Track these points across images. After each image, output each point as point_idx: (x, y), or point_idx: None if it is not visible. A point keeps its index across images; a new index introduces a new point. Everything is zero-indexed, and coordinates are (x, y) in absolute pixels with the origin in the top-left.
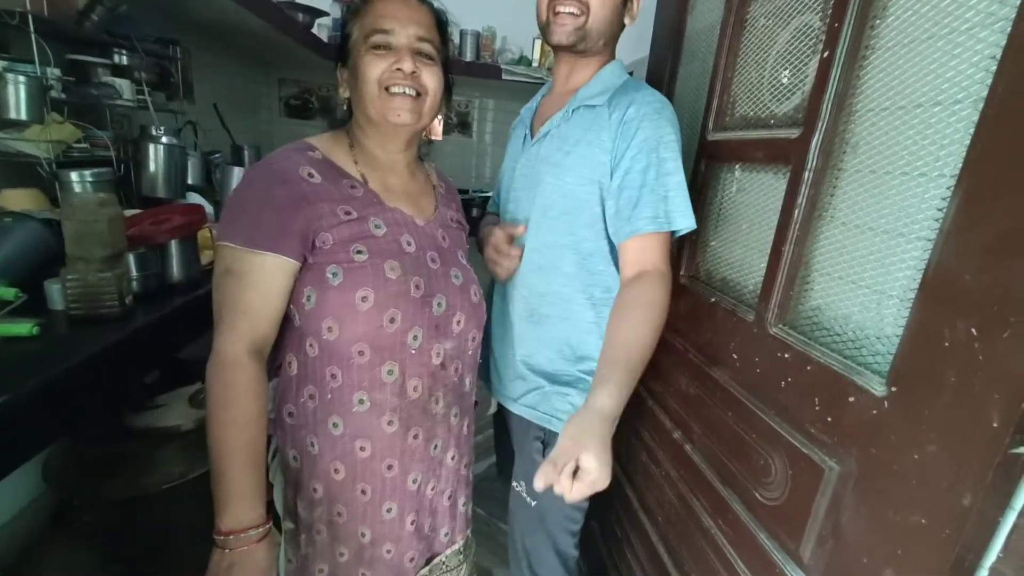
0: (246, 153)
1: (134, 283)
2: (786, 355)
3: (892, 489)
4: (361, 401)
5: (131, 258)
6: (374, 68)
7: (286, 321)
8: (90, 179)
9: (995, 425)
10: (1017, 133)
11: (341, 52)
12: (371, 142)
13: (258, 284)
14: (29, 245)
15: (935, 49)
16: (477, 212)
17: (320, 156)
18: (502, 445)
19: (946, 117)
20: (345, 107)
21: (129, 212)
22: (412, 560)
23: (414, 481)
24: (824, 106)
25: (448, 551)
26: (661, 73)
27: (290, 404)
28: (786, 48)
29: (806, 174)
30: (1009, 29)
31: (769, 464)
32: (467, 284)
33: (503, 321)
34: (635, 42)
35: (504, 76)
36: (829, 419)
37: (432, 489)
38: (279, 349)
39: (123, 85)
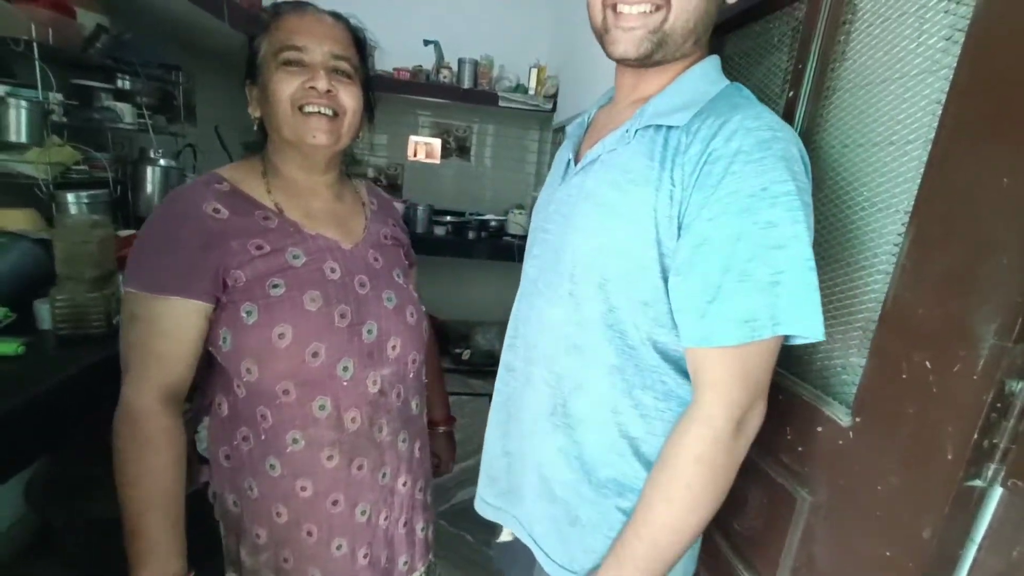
0: None
1: None
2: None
3: (859, 520)
4: (295, 440)
5: (121, 278)
6: (286, 86)
7: (211, 360)
8: (86, 200)
9: (949, 457)
10: (960, 174)
11: (249, 69)
12: (288, 166)
13: (167, 330)
14: (22, 265)
15: (888, 92)
16: (473, 235)
17: (228, 188)
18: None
19: (899, 156)
20: (256, 127)
21: (124, 232)
22: None
23: (363, 512)
24: None
25: None
26: None
27: (225, 446)
28: (759, 85)
29: None
30: (951, 76)
31: (745, 493)
32: (402, 305)
33: (513, 408)
34: None
35: (501, 103)
36: (800, 448)
37: (385, 519)
38: (208, 388)
39: (124, 109)
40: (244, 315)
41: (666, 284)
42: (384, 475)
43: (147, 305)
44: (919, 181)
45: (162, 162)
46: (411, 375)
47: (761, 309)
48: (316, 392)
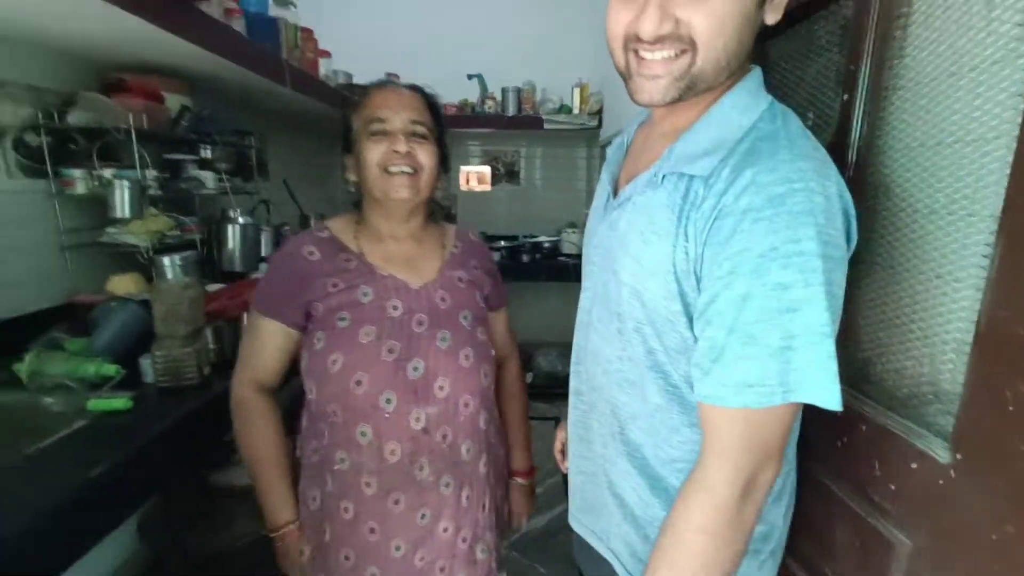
0: (312, 222)
1: (211, 353)
2: (838, 413)
3: (972, 572)
4: (342, 460)
5: (209, 332)
6: (374, 152)
7: None
8: (179, 262)
9: None
10: None
11: (345, 142)
12: (375, 217)
13: (261, 340)
14: (129, 326)
15: (958, 87)
16: (527, 258)
17: (327, 235)
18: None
19: (979, 155)
20: (353, 189)
21: (212, 287)
22: None
23: (397, 548)
24: (850, 149)
25: None
26: None
27: (306, 450)
28: (809, 90)
29: None
30: None
31: (832, 531)
32: (456, 348)
33: (583, 430)
34: None
35: (546, 126)
36: (892, 487)
37: (421, 560)
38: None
39: (207, 176)
40: (315, 341)
41: (693, 336)
42: (423, 516)
43: (254, 319)
44: (1006, 183)
45: (240, 220)
46: (462, 418)
47: (770, 375)
48: (359, 419)
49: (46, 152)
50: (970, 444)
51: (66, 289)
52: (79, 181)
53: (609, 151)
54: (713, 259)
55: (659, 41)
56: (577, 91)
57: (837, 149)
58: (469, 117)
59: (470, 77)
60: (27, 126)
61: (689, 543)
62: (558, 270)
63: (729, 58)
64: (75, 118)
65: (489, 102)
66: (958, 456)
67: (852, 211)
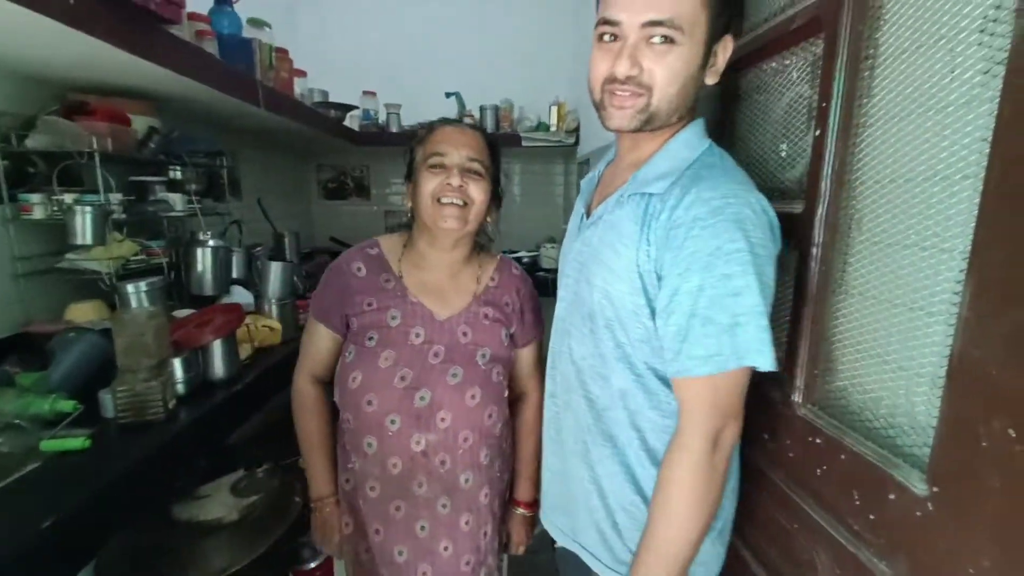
0: (287, 240)
1: (179, 385)
2: (817, 440)
3: None
4: (355, 461)
5: (176, 362)
6: (430, 183)
7: None
8: (144, 289)
9: None
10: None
11: (408, 170)
12: (422, 242)
13: (314, 341)
14: (88, 357)
15: (925, 127)
16: None
17: (376, 252)
18: None
19: (947, 193)
20: (409, 215)
21: (180, 312)
22: None
23: (400, 553)
24: (823, 182)
25: None
26: None
27: (341, 439)
28: (782, 121)
29: (814, 249)
30: (995, 111)
31: (814, 559)
32: (465, 386)
33: (555, 430)
34: None
35: (524, 143)
36: (871, 516)
37: (424, 574)
38: None
39: (176, 198)
40: (347, 353)
41: (654, 326)
42: (423, 528)
43: (310, 322)
44: (973, 223)
45: (211, 243)
46: (461, 451)
47: (724, 347)
48: (367, 431)
49: (2, 177)
50: (946, 478)
51: (19, 319)
52: (37, 206)
53: (583, 184)
54: (672, 261)
55: (628, 81)
56: (555, 109)
57: (811, 182)
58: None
59: (448, 95)
60: None
61: (677, 494)
62: (538, 285)
63: (678, 102)
64: (34, 142)
65: (467, 120)
66: (935, 489)
67: (776, 222)
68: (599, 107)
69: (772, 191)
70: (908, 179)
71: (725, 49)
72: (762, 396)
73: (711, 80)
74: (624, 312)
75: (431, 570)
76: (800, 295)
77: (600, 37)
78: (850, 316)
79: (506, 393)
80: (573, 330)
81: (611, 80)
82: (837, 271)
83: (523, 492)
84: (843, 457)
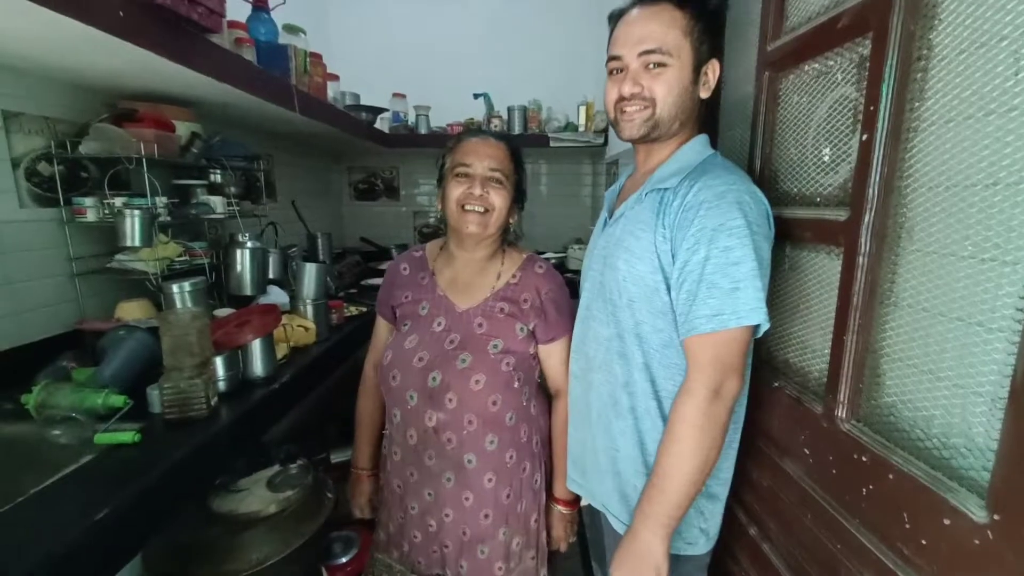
0: (320, 241)
1: (220, 383)
2: (863, 457)
3: None
4: (387, 427)
5: (218, 361)
6: (455, 191)
7: None
8: (188, 289)
9: None
10: None
11: (439, 177)
12: (452, 243)
13: (376, 332)
14: (137, 355)
15: (985, 131)
16: None
17: (420, 255)
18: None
19: (1009, 201)
20: (439, 216)
21: (220, 311)
22: (421, 562)
23: (413, 508)
24: (870, 188)
25: None
26: None
27: None
28: (824, 124)
29: (860, 258)
30: None
31: None
32: (470, 372)
33: (581, 405)
34: None
35: (552, 144)
36: (923, 541)
37: (431, 526)
38: None
39: (216, 201)
40: (392, 336)
41: (671, 299)
42: (430, 495)
43: (376, 317)
44: None
45: (249, 244)
46: (466, 432)
47: (726, 307)
48: (394, 403)
49: (58, 181)
50: (1009, 504)
51: (74, 316)
52: (90, 210)
53: (606, 195)
54: (683, 238)
55: (633, 98)
56: (583, 109)
57: (857, 188)
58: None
59: (476, 96)
60: (40, 156)
61: (680, 433)
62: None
63: (676, 110)
64: (87, 148)
65: (495, 121)
66: (996, 516)
67: (770, 211)
68: (614, 124)
69: (812, 197)
70: (965, 186)
71: (714, 70)
72: (803, 409)
73: (704, 94)
74: (647, 290)
75: (437, 524)
76: (844, 305)
77: (610, 72)
78: (899, 329)
79: (518, 384)
80: (597, 314)
81: (620, 100)
82: (885, 281)
83: (560, 489)
84: (891, 477)
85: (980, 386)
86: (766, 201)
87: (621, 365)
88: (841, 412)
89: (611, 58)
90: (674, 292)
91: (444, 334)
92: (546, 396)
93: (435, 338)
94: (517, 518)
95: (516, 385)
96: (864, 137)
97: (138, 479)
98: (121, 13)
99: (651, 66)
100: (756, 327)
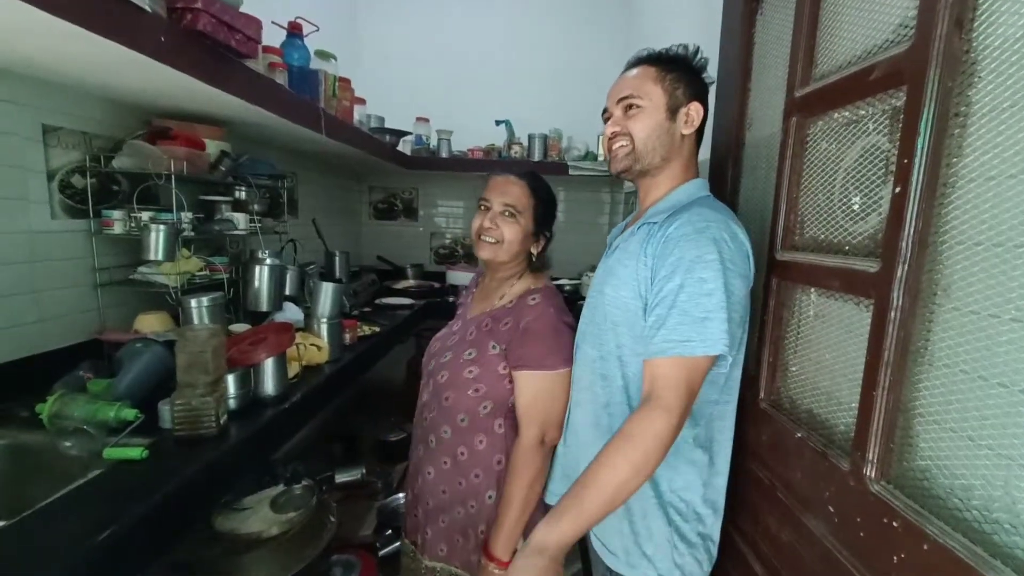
0: (337, 259)
1: (231, 401)
2: (894, 523)
3: None
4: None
5: (230, 378)
6: (476, 221)
7: None
8: (206, 304)
9: None
10: None
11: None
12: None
13: None
14: (152, 368)
15: None
16: None
17: (478, 272)
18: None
19: None
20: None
21: (236, 326)
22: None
23: (415, 459)
24: (903, 242)
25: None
26: (723, 184)
27: None
28: (854, 173)
29: (892, 313)
30: None
31: None
32: (445, 367)
33: (572, 424)
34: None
35: (571, 172)
36: None
37: (419, 483)
38: None
39: (239, 218)
40: None
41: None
42: (419, 450)
43: None
44: None
45: (268, 261)
46: (436, 411)
47: (694, 335)
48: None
49: (90, 194)
50: None
51: (95, 326)
52: (118, 222)
53: (614, 230)
54: (661, 266)
55: (615, 136)
56: (602, 139)
57: (889, 241)
58: (494, 161)
59: (498, 123)
60: (75, 169)
61: (647, 446)
62: (579, 314)
63: (653, 143)
64: (120, 162)
65: (516, 147)
66: None
67: (750, 252)
68: (607, 158)
69: (840, 245)
70: (1008, 248)
71: (697, 111)
72: (828, 464)
73: (686, 131)
74: (628, 314)
75: (416, 485)
76: (874, 360)
77: (605, 121)
78: (934, 389)
79: (476, 394)
80: (588, 336)
81: (609, 140)
82: (919, 339)
83: (500, 547)
84: (926, 548)
85: (1016, 458)
86: (747, 243)
87: (603, 386)
88: (870, 471)
89: (604, 111)
90: (647, 314)
91: (454, 334)
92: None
93: (448, 335)
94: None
95: (471, 393)
96: (897, 190)
97: (145, 497)
98: (163, 38)
99: (628, 108)
100: (717, 356)
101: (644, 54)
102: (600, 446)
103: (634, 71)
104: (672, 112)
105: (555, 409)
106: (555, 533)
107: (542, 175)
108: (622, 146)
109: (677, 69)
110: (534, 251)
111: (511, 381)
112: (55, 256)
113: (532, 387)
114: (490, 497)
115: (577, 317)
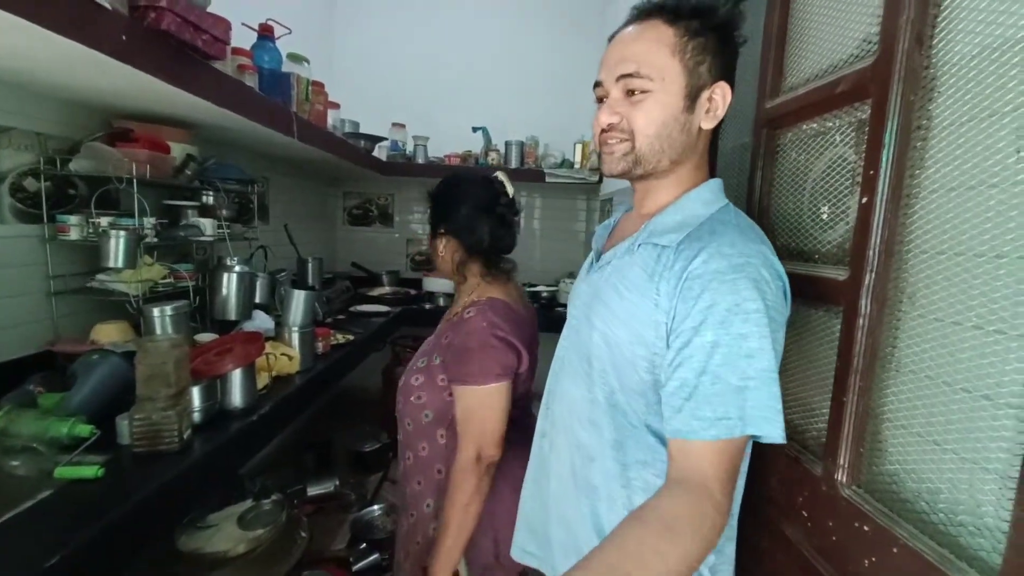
0: (310, 266)
1: (196, 414)
2: (865, 527)
3: None
4: None
5: (195, 391)
6: None
7: None
8: (169, 313)
9: None
10: None
11: None
12: None
13: None
14: (109, 381)
15: (990, 199)
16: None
17: None
18: None
19: (1009, 276)
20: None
21: (202, 336)
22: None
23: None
24: (870, 251)
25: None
26: None
27: None
28: (822, 183)
29: (860, 320)
30: None
31: None
32: (415, 369)
33: (544, 469)
34: None
35: (548, 179)
36: None
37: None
38: None
39: (206, 223)
40: None
41: (652, 379)
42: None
43: None
44: None
45: (237, 268)
46: (401, 405)
47: (732, 409)
48: None
49: (43, 198)
50: None
51: (47, 336)
52: (74, 228)
53: (598, 229)
54: (686, 312)
55: (611, 129)
56: (579, 147)
57: (856, 250)
58: (470, 168)
59: (475, 130)
60: (27, 172)
61: (661, 538)
62: (556, 321)
63: (660, 144)
64: (77, 165)
65: (492, 154)
66: None
67: (788, 289)
68: (599, 157)
69: (811, 253)
70: (969, 257)
71: (724, 96)
72: (802, 469)
73: (708, 124)
74: (621, 359)
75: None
76: (844, 366)
77: (597, 100)
78: (901, 395)
79: (418, 400)
80: (571, 368)
81: (601, 131)
82: (887, 345)
83: (432, 566)
84: (895, 551)
85: (988, 462)
86: (785, 276)
87: (590, 434)
88: (841, 476)
89: (595, 84)
90: (664, 372)
91: (430, 340)
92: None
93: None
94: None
95: (414, 400)
96: (864, 200)
97: (99, 519)
98: (124, 37)
99: (631, 92)
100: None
101: (656, 2)
102: (575, 503)
103: (641, 28)
104: (692, 98)
105: (491, 425)
106: None
107: (517, 181)
108: (619, 142)
109: (703, 30)
110: (453, 258)
111: (451, 395)
112: (3, 263)
113: (464, 401)
114: (428, 506)
115: (558, 328)
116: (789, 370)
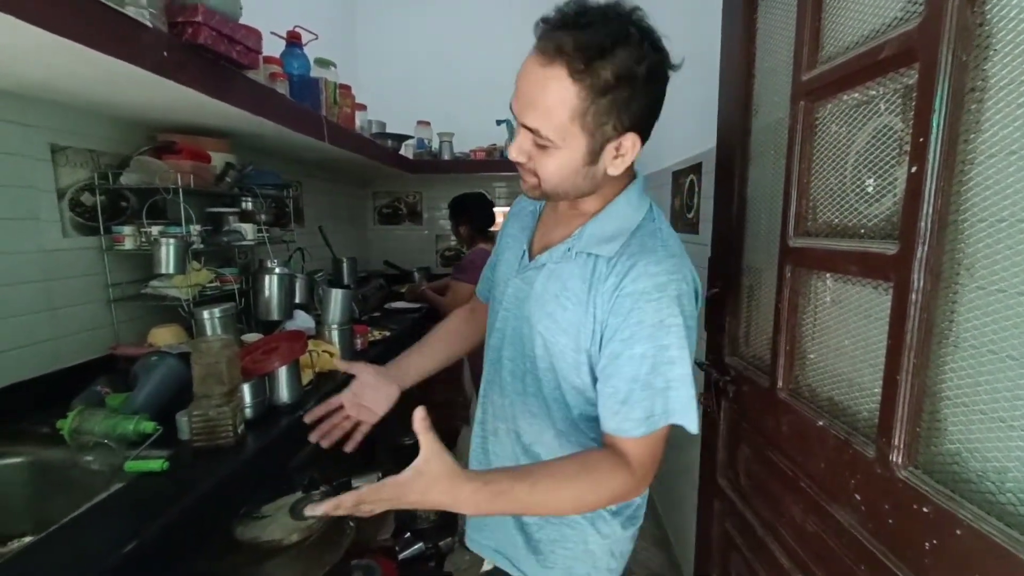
0: (344, 265)
1: (248, 410)
2: (924, 508)
3: None
4: None
5: (245, 388)
6: None
7: None
8: (218, 315)
9: None
10: None
11: None
12: None
13: None
14: (168, 381)
15: None
16: None
17: None
18: None
19: None
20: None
21: (248, 336)
22: None
23: None
24: (922, 222)
25: None
26: (730, 174)
27: None
28: (866, 154)
29: (913, 295)
30: None
31: None
32: None
33: (485, 456)
34: (703, 134)
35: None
36: None
37: None
38: None
39: (247, 228)
40: None
41: (592, 378)
42: None
43: None
44: None
45: (277, 270)
46: None
47: (658, 407)
48: None
49: (99, 211)
50: None
51: (110, 340)
52: (128, 238)
53: (516, 209)
54: (617, 326)
55: (520, 165)
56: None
57: (907, 222)
58: (495, 161)
59: (499, 123)
60: (84, 187)
61: (600, 495)
62: None
63: (567, 189)
64: (127, 179)
65: None
66: None
67: (699, 289)
68: None
69: (856, 228)
70: None
71: (633, 146)
72: (853, 452)
73: (615, 171)
74: (564, 364)
75: None
76: (896, 344)
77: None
78: (960, 371)
79: None
80: (511, 364)
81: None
82: (943, 320)
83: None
84: (959, 532)
85: None
86: (697, 279)
87: (530, 424)
88: (896, 458)
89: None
90: (600, 380)
91: None
92: None
93: None
94: None
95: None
96: (913, 169)
97: (166, 509)
98: (165, 53)
99: (536, 140)
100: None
101: (562, 37)
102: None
103: (545, 76)
104: (595, 153)
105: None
106: (480, 506)
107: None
108: (530, 176)
109: (611, 85)
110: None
111: None
112: (68, 274)
113: None
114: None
115: None
116: (833, 349)
